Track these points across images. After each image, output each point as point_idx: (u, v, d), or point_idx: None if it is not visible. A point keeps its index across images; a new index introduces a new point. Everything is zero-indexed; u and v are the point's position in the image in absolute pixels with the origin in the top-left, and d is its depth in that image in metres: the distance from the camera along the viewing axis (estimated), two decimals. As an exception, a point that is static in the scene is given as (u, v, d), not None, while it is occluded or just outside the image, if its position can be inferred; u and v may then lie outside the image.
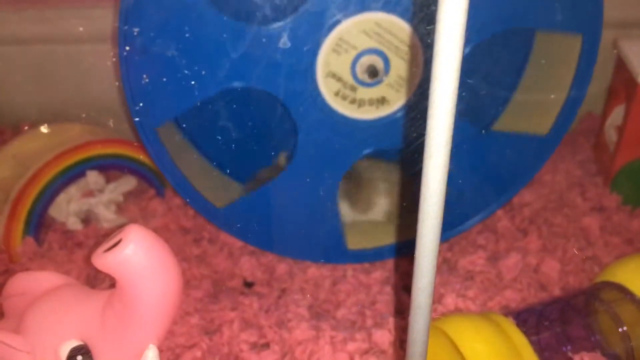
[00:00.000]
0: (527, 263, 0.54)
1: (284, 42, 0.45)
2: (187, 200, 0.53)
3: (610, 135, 0.65)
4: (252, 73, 0.47)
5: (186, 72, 0.47)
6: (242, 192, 0.57)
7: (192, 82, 0.47)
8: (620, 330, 0.43)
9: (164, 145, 0.51)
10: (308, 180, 0.51)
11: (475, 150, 0.53)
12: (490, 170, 0.55)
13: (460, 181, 0.52)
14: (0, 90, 0.77)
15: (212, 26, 0.45)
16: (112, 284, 0.45)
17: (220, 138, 0.58)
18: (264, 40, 0.45)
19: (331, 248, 0.55)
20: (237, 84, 0.47)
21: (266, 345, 0.46)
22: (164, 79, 0.47)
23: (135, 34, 0.45)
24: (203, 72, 0.47)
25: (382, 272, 0.56)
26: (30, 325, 0.34)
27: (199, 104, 0.48)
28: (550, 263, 0.54)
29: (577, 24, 0.50)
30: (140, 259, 0.33)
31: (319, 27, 0.45)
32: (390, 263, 0.57)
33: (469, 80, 0.53)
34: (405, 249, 0.56)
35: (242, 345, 0.46)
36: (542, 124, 0.55)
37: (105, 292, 0.36)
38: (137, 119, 0.49)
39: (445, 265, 0.56)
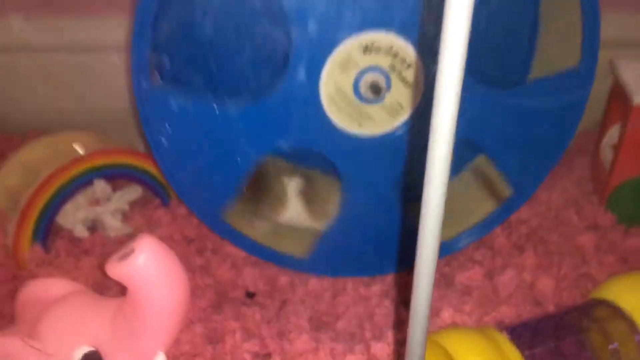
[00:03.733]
0: (522, 279, 0.56)
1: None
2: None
3: (606, 154, 0.67)
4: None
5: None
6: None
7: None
8: (610, 347, 0.44)
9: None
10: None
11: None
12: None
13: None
14: (9, 98, 0.79)
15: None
16: (120, 291, 0.47)
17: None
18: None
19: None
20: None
21: (268, 356, 0.47)
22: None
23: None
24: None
25: (382, 285, 0.57)
26: (43, 331, 0.35)
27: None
28: (545, 280, 0.55)
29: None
30: (152, 269, 0.34)
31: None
32: (390, 277, 0.59)
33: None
34: (404, 264, 0.58)
35: (244, 355, 0.47)
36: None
37: (115, 300, 0.37)
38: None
39: (442, 280, 0.57)
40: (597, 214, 0.65)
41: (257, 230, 0.58)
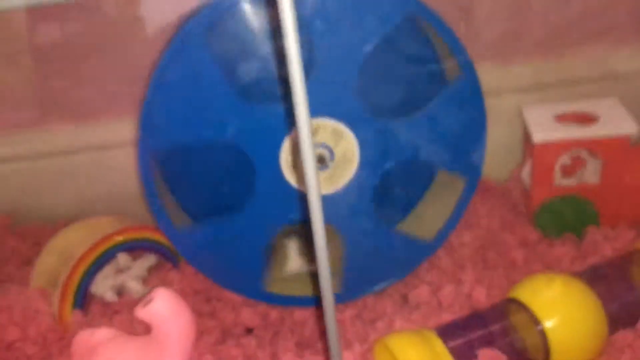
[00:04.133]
0: (460, 291, 0.70)
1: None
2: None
3: (526, 182, 0.82)
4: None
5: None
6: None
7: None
8: (515, 335, 0.58)
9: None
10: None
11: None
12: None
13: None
14: (39, 194, 0.95)
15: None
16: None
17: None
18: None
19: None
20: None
21: (263, 372, 0.62)
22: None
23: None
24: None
25: (353, 309, 0.72)
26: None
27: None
28: (479, 290, 0.70)
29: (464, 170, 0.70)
30: (166, 310, 0.49)
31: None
32: (361, 302, 0.73)
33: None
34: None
35: (245, 374, 0.61)
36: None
37: (144, 337, 0.52)
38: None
39: (399, 299, 0.71)
40: (527, 231, 0.80)
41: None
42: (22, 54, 0.89)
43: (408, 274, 0.74)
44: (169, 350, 0.50)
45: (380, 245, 0.71)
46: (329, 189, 0.67)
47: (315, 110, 0.62)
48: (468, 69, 0.68)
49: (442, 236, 0.74)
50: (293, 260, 0.76)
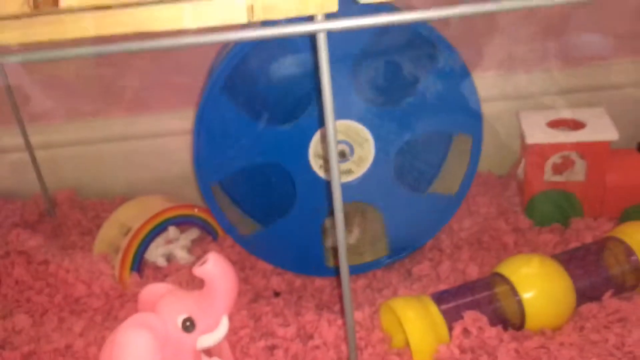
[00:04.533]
0: (456, 267, 0.83)
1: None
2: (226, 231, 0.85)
3: (521, 177, 0.94)
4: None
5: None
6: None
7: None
8: (497, 304, 0.71)
9: (219, 203, 0.83)
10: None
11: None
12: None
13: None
14: (100, 174, 1.09)
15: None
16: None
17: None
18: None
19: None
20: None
21: (289, 325, 0.75)
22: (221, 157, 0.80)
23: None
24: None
25: (364, 280, 0.85)
26: (161, 311, 0.64)
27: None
28: (472, 267, 0.82)
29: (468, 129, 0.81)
30: (217, 269, 0.63)
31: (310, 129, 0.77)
32: (371, 273, 0.86)
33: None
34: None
35: (273, 326, 0.75)
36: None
37: (198, 291, 0.66)
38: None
39: (404, 272, 0.84)
40: (519, 220, 0.92)
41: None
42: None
43: (441, 227, 0.86)
44: (218, 302, 0.64)
45: (414, 209, 0.83)
46: (356, 175, 0.80)
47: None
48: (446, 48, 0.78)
49: (464, 188, 0.84)
50: (332, 236, 0.89)
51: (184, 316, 0.64)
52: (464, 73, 0.78)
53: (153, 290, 0.70)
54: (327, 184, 0.80)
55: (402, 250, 0.85)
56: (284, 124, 0.78)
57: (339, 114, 0.76)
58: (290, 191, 0.82)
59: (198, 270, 0.64)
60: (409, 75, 0.80)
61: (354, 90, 0.76)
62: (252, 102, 0.83)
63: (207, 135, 0.78)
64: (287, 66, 0.81)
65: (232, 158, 0.79)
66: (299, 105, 0.80)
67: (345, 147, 0.78)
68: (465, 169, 0.83)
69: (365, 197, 0.82)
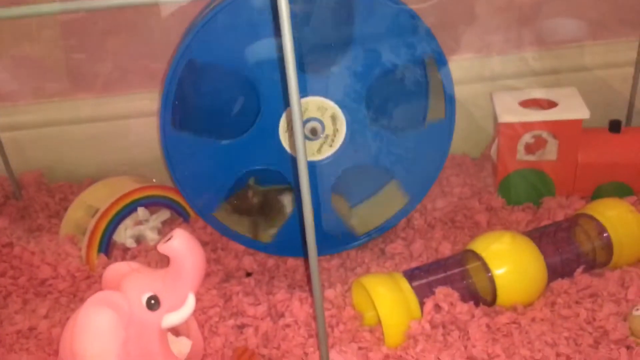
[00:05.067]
0: (429, 246, 0.82)
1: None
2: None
3: (494, 157, 0.94)
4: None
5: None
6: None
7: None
8: (469, 280, 0.70)
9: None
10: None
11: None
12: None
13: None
14: (67, 157, 1.07)
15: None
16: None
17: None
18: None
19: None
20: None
21: (259, 304, 0.74)
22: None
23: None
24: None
25: (338, 260, 0.84)
26: (125, 289, 0.63)
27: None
28: (445, 244, 0.82)
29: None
30: (183, 246, 0.61)
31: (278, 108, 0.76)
32: (345, 253, 0.85)
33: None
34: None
35: (244, 305, 0.74)
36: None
37: (162, 270, 0.64)
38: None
39: (378, 251, 0.84)
40: (492, 199, 0.91)
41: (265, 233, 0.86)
42: (49, 29, 1.00)
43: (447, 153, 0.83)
44: (184, 279, 0.62)
45: (416, 142, 0.81)
46: (336, 146, 0.79)
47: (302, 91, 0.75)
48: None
49: (450, 110, 0.81)
50: (288, 209, 0.88)
51: (149, 294, 0.63)
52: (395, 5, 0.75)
53: (117, 268, 0.68)
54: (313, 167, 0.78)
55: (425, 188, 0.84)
56: (247, 129, 0.77)
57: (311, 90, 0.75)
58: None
59: (163, 247, 0.62)
60: (338, 29, 0.78)
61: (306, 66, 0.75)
62: (205, 123, 0.82)
63: (182, 172, 0.79)
64: (220, 79, 0.81)
65: (217, 184, 0.80)
66: (253, 103, 0.79)
67: (315, 123, 0.77)
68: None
69: (361, 160, 0.80)
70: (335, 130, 0.77)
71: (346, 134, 0.78)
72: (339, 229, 0.83)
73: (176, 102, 0.75)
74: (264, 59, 0.74)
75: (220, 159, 0.78)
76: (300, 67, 0.75)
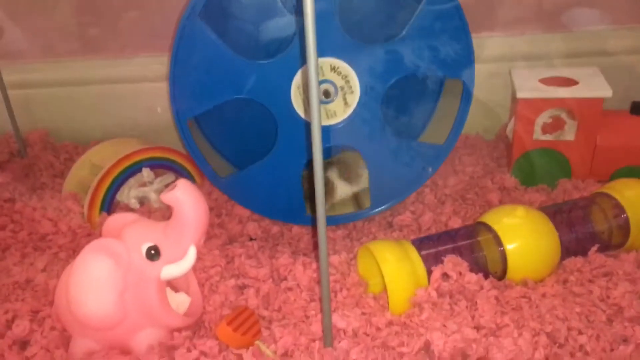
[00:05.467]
0: (439, 219, 0.80)
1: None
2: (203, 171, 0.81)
3: (510, 136, 0.91)
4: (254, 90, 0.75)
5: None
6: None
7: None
8: (480, 253, 0.68)
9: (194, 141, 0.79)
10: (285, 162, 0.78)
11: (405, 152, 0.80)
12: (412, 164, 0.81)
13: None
14: (74, 118, 1.05)
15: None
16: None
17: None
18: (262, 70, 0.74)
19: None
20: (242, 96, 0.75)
21: (262, 267, 0.72)
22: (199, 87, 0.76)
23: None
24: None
25: (344, 230, 0.82)
26: (125, 238, 0.61)
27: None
28: (455, 219, 0.79)
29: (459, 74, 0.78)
30: (185, 195, 0.59)
31: (293, 66, 0.73)
32: (351, 225, 0.83)
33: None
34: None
35: (246, 267, 0.72)
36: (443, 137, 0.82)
37: (166, 221, 0.62)
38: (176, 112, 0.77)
39: (385, 223, 0.81)
40: (505, 179, 0.89)
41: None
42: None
43: (426, 180, 0.82)
44: (186, 230, 0.60)
45: (401, 158, 0.79)
46: (340, 117, 0.76)
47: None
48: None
49: (453, 137, 0.81)
50: (339, 187, 0.85)
51: (149, 244, 0.61)
52: (458, 15, 0.75)
53: (119, 219, 0.66)
54: (309, 127, 0.76)
55: (385, 201, 0.82)
56: (265, 59, 0.74)
57: (322, 51, 0.73)
58: (270, 132, 0.79)
59: (166, 196, 0.61)
60: (397, 12, 0.77)
61: (338, 25, 0.72)
62: (232, 32, 0.79)
63: (183, 63, 0.74)
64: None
65: (210, 91, 0.76)
66: (282, 41, 0.76)
67: (330, 86, 0.75)
68: (454, 117, 0.80)
69: (350, 142, 0.78)
70: (345, 103, 0.76)
71: (354, 110, 0.76)
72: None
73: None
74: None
75: (227, 71, 0.75)
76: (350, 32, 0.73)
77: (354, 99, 0.75)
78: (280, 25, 0.78)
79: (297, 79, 0.74)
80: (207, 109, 0.77)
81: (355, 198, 0.85)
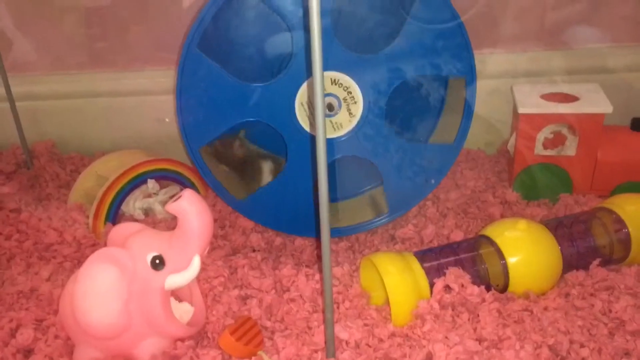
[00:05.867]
0: (441, 233, 0.80)
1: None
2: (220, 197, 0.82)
3: (511, 151, 0.92)
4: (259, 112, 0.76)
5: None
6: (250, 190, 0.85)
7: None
8: (482, 266, 0.68)
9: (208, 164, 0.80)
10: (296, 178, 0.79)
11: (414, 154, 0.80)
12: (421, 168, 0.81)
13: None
14: (80, 130, 1.06)
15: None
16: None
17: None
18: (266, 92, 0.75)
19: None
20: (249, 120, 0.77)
21: (265, 277, 0.72)
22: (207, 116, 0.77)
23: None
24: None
25: (347, 242, 0.82)
26: (130, 247, 0.61)
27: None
28: (457, 232, 0.80)
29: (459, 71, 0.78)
30: (191, 205, 0.60)
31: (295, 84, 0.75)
32: (353, 237, 0.83)
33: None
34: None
35: (249, 277, 0.72)
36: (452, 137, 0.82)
37: (171, 231, 0.63)
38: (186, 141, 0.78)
39: (388, 237, 0.82)
40: (507, 194, 0.90)
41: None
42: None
43: (442, 178, 0.83)
44: (190, 240, 0.61)
45: (413, 161, 0.80)
46: (346, 129, 0.77)
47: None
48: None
49: (462, 135, 0.81)
50: (265, 177, 0.87)
51: (154, 254, 0.61)
52: (450, 14, 0.75)
53: (124, 228, 0.67)
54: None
55: (403, 207, 0.82)
56: (267, 80, 0.75)
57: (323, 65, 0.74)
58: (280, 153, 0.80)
59: (171, 206, 0.61)
60: (389, 19, 0.78)
61: (335, 38, 0.73)
62: (232, 58, 0.81)
63: (188, 93, 0.76)
64: (265, 20, 0.79)
65: (217, 118, 0.77)
66: (281, 60, 0.78)
67: (333, 99, 0.76)
68: (461, 114, 0.80)
69: (359, 152, 0.79)
70: (350, 114, 0.77)
71: (359, 120, 0.77)
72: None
73: (211, 25, 0.73)
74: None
75: (230, 97, 0.76)
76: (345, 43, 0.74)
77: (358, 108, 0.76)
78: (278, 45, 0.80)
79: (300, 96, 0.75)
80: (216, 136, 0.79)
81: (374, 203, 0.86)
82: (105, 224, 0.85)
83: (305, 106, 0.75)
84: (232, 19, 0.79)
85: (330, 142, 0.77)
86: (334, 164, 0.81)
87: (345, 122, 0.77)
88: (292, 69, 0.74)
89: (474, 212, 0.86)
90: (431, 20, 0.74)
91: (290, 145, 0.77)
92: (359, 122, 0.77)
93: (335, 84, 0.75)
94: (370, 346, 0.62)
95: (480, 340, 0.61)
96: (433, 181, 0.81)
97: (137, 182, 0.88)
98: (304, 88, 0.75)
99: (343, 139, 0.78)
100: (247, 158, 0.87)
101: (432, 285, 0.66)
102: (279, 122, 0.77)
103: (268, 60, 0.82)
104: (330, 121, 0.77)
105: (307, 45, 0.73)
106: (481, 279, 0.69)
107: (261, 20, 0.79)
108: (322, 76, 0.49)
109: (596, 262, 0.71)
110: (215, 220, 0.87)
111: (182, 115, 0.77)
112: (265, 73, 0.81)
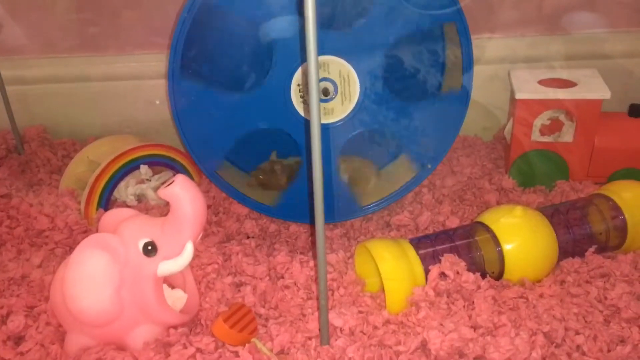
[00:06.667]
0: (436, 219, 0.80)
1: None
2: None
3: (508, 138, 0.91)
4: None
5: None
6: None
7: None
8: (478, 253, 0.68)
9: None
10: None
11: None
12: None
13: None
14: (72, 115, 1.05)
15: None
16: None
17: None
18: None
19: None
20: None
21: (259, 264, 0.72)
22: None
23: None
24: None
25: (342, 229, 0.82)
26: (122, 233, 0.61)
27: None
28: (452, 219, 0.79)
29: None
30: (183, 191, 0.59)
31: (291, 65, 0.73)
32: (348, 223, 0.83)
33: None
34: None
35: (243, 264, 0.71)
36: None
37: (163, 217, 0.62)
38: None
39: (382, 222, 0.81)
40: (503, 180, 0.89)
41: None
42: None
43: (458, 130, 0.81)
44: (183, 226, 0.60)
45: (428, 117, 0.78)
46: (353, 104, 0.76)
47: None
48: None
49: (467, 83, 0.79)
50: (279, 178, 0.86)
51: (146, 240, 0.60)
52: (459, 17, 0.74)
53: (115, 214, 0.66)
54: (325, 130, 0.76)
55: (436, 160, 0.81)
56: (258, 85, 0.74)
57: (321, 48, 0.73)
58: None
59: (163, 192, 0.60)
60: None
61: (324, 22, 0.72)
62: (217, 72, 0.80)
63: (187, 120, 0.76)
64: (237, 27, 0.78)
65: (222, 136, 0.77)
66: (264, 62, 0.76)
67: (327, 83, 0.75)
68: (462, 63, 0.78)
69: (365, 126, 0.77)
70: (348, 93, 0.75)
71: (359, 98, 0.75)
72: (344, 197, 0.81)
73: (186, 50, 0.73)
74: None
75: (227, 113, 0.76)
76: (321, 24, 0.73)
77: (355, 89, 0.75)
78: (259, 45, 0.78)
79: (295, 90, 0.74)
80: (227, 153, 0.79)
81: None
82: (97, 210, 0.84)
83: (302, 99, 0.74)
84: (204, 37, 0.78)
85: (329, 128, 0.76)
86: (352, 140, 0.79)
87: (343, 106, 0.76)
88: (278, 65, 0.73)
89: (470, 198, 0.85)
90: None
91: (299, 141, 0.77)
92: (358, 101, 0.75)
93: (326, 71, 0.74)
94: (364, 333, 0.62)
95: (475, 327, 0.61)
96: (430, 166, 0.80)
97: (130, 167, 0.87)
98: (296, 79, 0.73)
99: (343, 121, 0.76)
100: (292, 173, 0.86)
101: (427, 272, 0.66)
102: (280, 122, 0.76)
103: (254, 62, 0.81)
104: (325, 107, 0.76)
105: (289, 36, 0.72)
106: (477, 266, 0.68)
107: (232, 28, 0.79)
108: (317, 61, 0.48)
109: (592, 249, 0.71)
110: (209, 207, 0.87)
111: (188, 141, 0.78)
112: (257, 73, 0.80)
